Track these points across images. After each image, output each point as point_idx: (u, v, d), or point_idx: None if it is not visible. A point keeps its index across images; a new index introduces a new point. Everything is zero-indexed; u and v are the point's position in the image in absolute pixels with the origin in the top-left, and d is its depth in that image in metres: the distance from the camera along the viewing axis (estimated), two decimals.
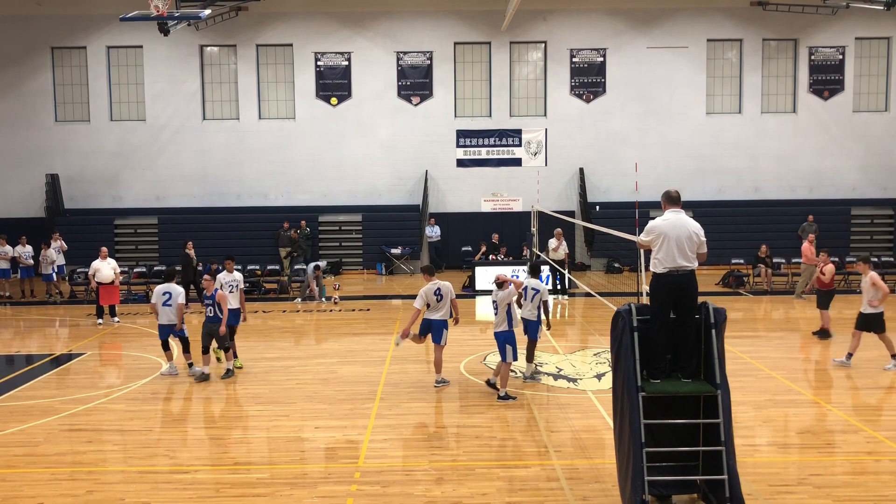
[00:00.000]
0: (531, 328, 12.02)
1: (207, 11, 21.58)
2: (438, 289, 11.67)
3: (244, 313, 13.49)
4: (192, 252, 20.49)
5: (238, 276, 13.51)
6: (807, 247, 19.27)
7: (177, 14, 19.92)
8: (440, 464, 8.76)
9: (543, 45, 26.82)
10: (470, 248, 25.26)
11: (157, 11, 18.95)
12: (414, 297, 12.06)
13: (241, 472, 8.57)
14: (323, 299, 20.32)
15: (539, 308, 11.92)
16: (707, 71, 26.87)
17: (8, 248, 21.58)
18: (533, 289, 11.92)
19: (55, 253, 21.30)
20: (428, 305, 11.71)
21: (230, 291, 13.19)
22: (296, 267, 23.07)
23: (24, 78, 26.52)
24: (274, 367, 13.68)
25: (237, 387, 12.38)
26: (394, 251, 25.69)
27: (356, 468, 8.64)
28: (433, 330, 11.73)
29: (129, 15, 19.72)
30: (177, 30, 23.50)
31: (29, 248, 21.67)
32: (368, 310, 18.96)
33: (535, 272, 12.47)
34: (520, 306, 11.88)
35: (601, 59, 26.67)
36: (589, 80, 26.73)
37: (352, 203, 26.67)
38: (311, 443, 9.56)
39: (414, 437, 9.77)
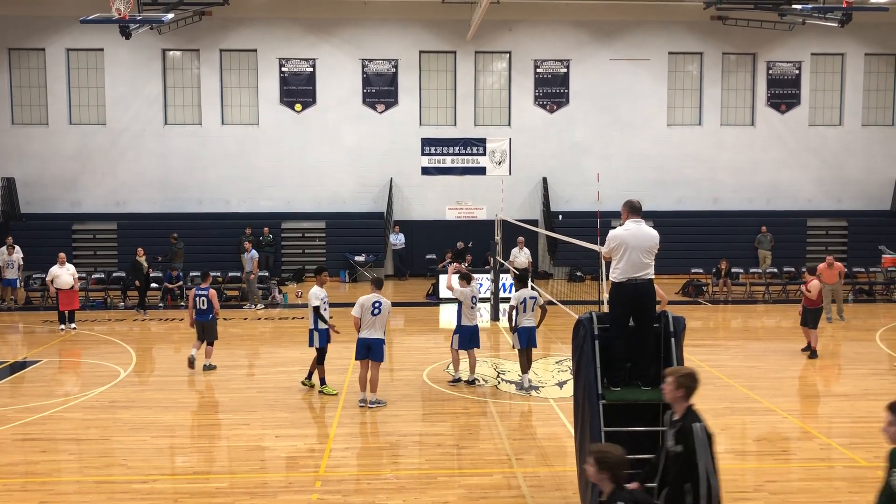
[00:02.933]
0: (532, 336, 12.08)
1: (170, 15, 21.38)
2: (378, 303, 11.14)
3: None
4: (143, 259, 20.25)
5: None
6: (825, 271, 17.41)
7: (139, 17, 19.70)
8: (402, 472, 8.75)
9: (508, 55, 27.02)
10: (434, 256, 25.29)
11: (119, 14, 18.71)
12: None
13: (201, 482, 8.47)
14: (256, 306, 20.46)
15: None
16: (668, 83, 27.29)
17: None
18: (530, 297, 12.06)
19: (20, 258, 20.83)
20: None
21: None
22: (259, 274, 22.83)
23: None
24: (235, 375, 13.53)
25: (197, 395, 12.24)
26: (358, 258, 25.60)
27: (317, 477, 8.58)
28: (372, 349, 11.12)
29: (90, 17, 19.45)
30: (139, 33, 23.20)
31: None
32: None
33: (523, 281, 12.48)
34: (509, 320, 12.11)
35: (565, 69, 26.94)
36: (553, 90, 26.98)
37: (315, 210, 26.53)
38: (272, 451, 9.48)
39: (376, 445, 9.76)
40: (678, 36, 27.02)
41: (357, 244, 25.83)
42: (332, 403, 11.47)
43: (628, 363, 7.24)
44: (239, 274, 22.27)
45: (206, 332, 13.47)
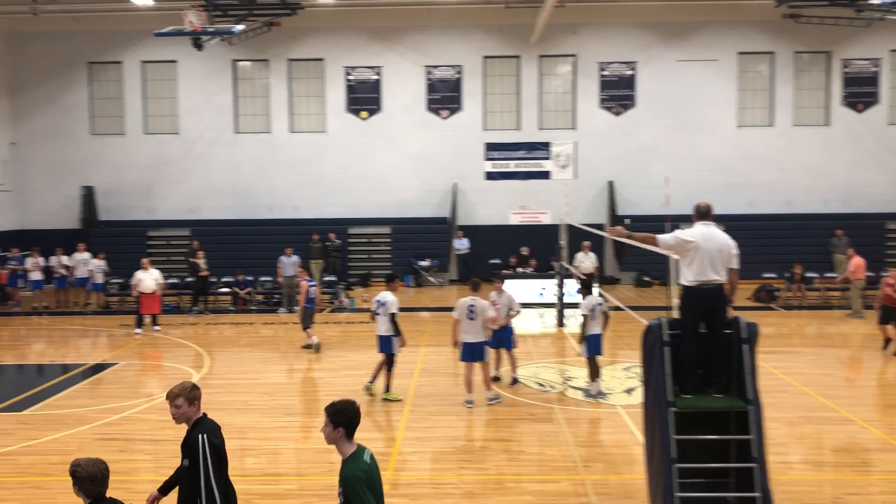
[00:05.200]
0: (599, 343, 11.94)
1: (240, 27, 21.90)
2: (473, 306, 11.43)
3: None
4: (201, 261, 20.80)
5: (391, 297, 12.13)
6: (857, 261, 18.70)
7: (210, 29, 20.23)
8: (469, 477, 8.75)
9: (573, 58, 26.82)
10: (499, 261, 25.24)
11: (191, 27, 19.29)
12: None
13: (271, 483, 8.64)
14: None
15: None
16: (738, 84, 26.65)
17: (40, 259, 21.98)
18: (597, 304, 11.91)
19: (104, 263, 21.67)
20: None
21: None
22: (326, 279, 23.22)
23: (61, 92, 27.07)
24: (303, 378, 13.78)
25: (266, 398, 12.48)
26: (422, 263, 25.76)
27: (385, 480, 8.64)
28: (475, 352, 11.45)
29: (164, 30, 20.08)
30: (210, 45, 23.86)
31: (65, 259, 22.04)
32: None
33: (589, 287, 12.36)
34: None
35: (631, 72, 26.59)
36: (619, 93, 26.65)
37: (381, 215, 26.80)
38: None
39: (442, 449, 9.77)
40: (748, 35, 26.37)
41: (421, 249, 26.00)
42: (398, 408, 11.55)
43: (699, 370, 7.09)
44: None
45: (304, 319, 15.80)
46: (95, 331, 18.87)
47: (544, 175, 26.65)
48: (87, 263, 21.61)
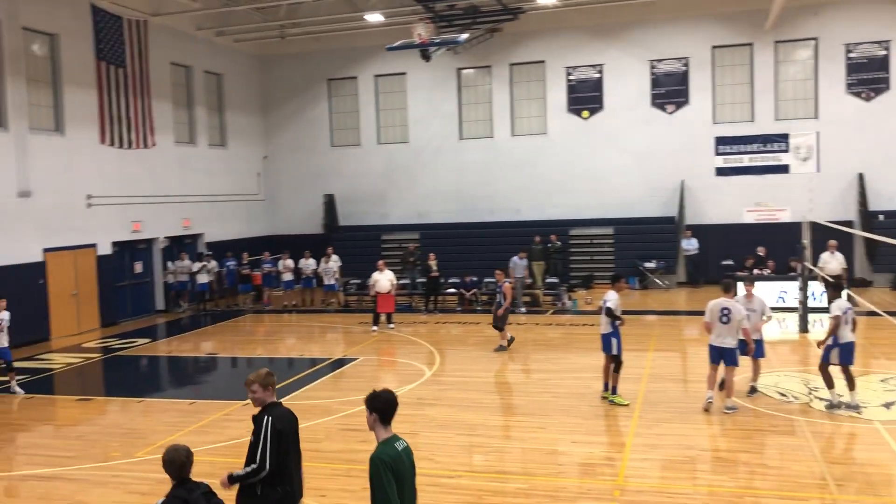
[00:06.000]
0: (852, 351, 10.94)
1: (465, 35, 22.56)
2: (727, 310, 10.91)
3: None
4: (433, 263, 21.61)
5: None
6: None
7: (437, 41, 21.03)
8: (703, 489, 8.33)
9: (814, 42, 24.70)
10: (731, 262, 23.82)
11: (420, 40, 20.19)
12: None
13: (500, 481, 8.78)
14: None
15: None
16: None
17: (290, 261, 24.07)
18: (848, 307, 10.91)
19: (337, 266, 23.39)
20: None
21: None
22: (548, 280, 23.27)
23: (305, 107, 29.56)
24: (529, 379, 13.90)
25: (494, 396, 12.74)
26: (648, 265, 24.98)
27: (615, 486, 8.48)
28: (725, 356, 10.97)
29: (395, 45, 21.19)
30: (437, 55, 24.83)
31: (311, 262, 23.98)
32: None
33: (838, 289, 11.36)
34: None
35: (884, 52, 23.96)
36: (868, 76, 24.12)
37: (603, 216, 26.36)
38: (568, 457, 9.55)
39: (674, 458, 9.38)
40: None
41: (647, 250, 25.21)
42: (627, 412, 11.27)
43: None
44: (530, 280, 22.82)
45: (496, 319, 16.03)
46: (336, 328, 20.31)
47: (782, 169, 24.79)
48: (331, 268, 23.27)
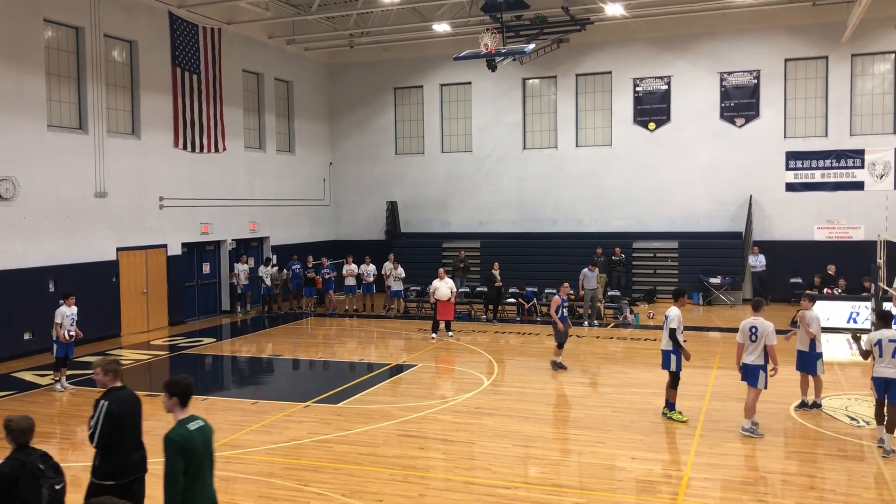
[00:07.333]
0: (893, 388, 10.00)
1: (532, 46, 22.53)
2: (754, 327, 10.74)
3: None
4: (496, 272, 21.55)
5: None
6: None
7: (503, 51, 21.04)
8: None
9: (893, 55, 23.90)
10: (800, 280, 23.19)
11: (486, 49, 20.22)
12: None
13: (557, 494, 8.71)
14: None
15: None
16: None
17: (353, 266, 24.36)
18: (891, 340, 9.95)
19: (402, 272, 23.55)
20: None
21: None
22: (610, 293, 23.00)
23: (372, 116, 29.94)
24: (589, 392, 13.76)
25: (552, 408, 12.65)
26: (712, 280, 24.48)
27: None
28: (748, 374, 10.80)
29: (462, 54, 21.29)
30: (503, 65, 24.86)
31: (372, 267, 24.24)
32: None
33: (886, 320, 10.61)
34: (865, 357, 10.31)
35: None
36: None
37: (668, 229, 25.97)
38: (627, 472, 9.42)
39: (737, 479, 9.17)
40: None
41: (712, 265, 24.72)
42: (688, 430, 11.06)
43: None
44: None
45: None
46: (396, 334, 20.46)
47: (857, 186, 24.02)
48: (399, 273, 23.41)
